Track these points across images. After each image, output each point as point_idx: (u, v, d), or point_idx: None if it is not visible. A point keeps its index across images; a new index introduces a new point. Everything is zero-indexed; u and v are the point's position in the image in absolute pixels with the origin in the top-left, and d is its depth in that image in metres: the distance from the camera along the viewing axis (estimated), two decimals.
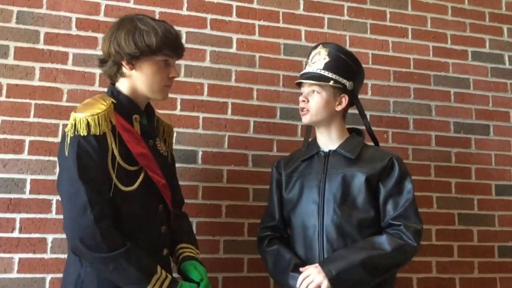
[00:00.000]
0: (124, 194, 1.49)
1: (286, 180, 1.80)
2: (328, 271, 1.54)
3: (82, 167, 1.41)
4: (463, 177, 2.44)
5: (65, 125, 1.96)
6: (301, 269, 1.60)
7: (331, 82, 1.70)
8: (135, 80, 1.57)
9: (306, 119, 1.74)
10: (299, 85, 1.78)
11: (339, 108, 1.75)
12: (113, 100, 1.54)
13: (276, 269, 1.71)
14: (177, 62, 2.08)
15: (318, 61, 1.73)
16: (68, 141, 1.44)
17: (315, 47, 1.78)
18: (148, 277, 1.42)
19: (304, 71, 1.77)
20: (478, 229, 2.40)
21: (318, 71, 1.72)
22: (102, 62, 1.62)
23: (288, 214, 1.77)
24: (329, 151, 1.75)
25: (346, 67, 1.75)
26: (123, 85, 1.59)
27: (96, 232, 1.37)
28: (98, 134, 1.45)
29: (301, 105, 1.73)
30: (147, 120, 1.66)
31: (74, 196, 1.40)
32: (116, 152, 1.48)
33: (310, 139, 1.86)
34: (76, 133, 1.44)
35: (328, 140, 1.76)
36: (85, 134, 1.44)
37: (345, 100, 1.75)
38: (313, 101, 1.71)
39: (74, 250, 1.44)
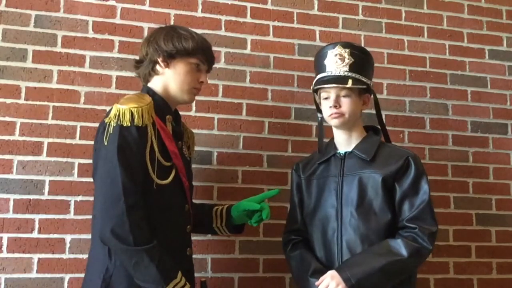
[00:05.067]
0: (158, 187, 1.52)
1: (305, 183, 1.79)
2: (347, 279, 1.52)
3: (121, 157, 1.44)
4: (481, 177, 2.41)
5: (83, 127, 2.03)
6: (316, 283, 1.59)
7: (359, 84, 1.68)
8: (168, 78, 1.64)
9: (338, 122, 1.69)
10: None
11: (364, 108, 1.75)
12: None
13: (298, 274, 1.71)
14: None
15: (342, 62, 1.70)
16: (111, 131, 1.47)
17: (333, 47, 1.73)
18: (166, 280, 1.42)
19: (328, 73, 1.71)
20: (496, 230, 2.37)
21: (347, 74, 1.68)
22: (138, 62, 1.70)
23: (307, 217, 1.76)
24: (346, 152, 1.74)
25: (367, 67, 1.74)
26: (156, 84, 1.66)
27: (126, 222, 1.39)
28: (140, 125, 1.49)
29: (332, 110, 1.68)
30: (176, 123, 1.71)
31: (110, 185, 1.43)
32: (155, 146, 1.53)
33: (326, 140, 1.84)
34: (118, 122, 1.47)
35: (347, 141, 1.74)
36: (128, 124, 1.47)
37: (368, 99, 1.74)
38: (346, 105, 1.67)
39: (102, 238, 1.44)
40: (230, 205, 1.83)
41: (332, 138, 1.80)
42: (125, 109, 1.49)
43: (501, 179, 2.43)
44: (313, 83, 1.76)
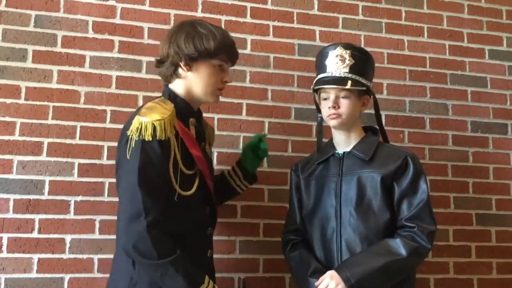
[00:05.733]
0: (182, 198, 1.51)
1: (304, 183, 1.80)
2: (346, 279, 1.53)
3: (142, 172, 1.42)
4: (481, 177, 2.41)
5: (83, 127, 2.03)
6: (316, 283, 1.59)
7: (359, 86, 1.69)
8: (191, 82, 1.61)
9: (336, 123, 1.70)
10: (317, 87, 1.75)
11: (363, 109, 1.76)
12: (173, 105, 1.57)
13: (298, 274, 1.71)
14: None
15: (342, 63, 1.70)
16: (133, 145, 1.45)
17: (334, 48, 1.74)
18: (194, 286, 1.43)
19: (328, 74, 1.71)
20: (496, 229, 2.37)
21: (346, 75, 1.68)
22: (159, 62, 1.65)
23: (307, 217, 1.76)
24: (344, 152, 1.74)
25: (367, 68, 1.75)
26: (178, 87, 1.62)
27: (147, 238, 1.38)
28: (163, 139, 1.46)
29: (331, 111, 1.68)
30: (198, 123, 1.69)
31: (130, 200, 1.42)
32: (178, 157, 1.50)
33: (325, 140, 1.85)
34: (140, 137, 1.44)
35: (346, 142, 1.75)
36: (150, 139, 1.44)
37: (367, 101, 1.75)
38: (345, 106, 1.68)
39: (125, 251, 1.45)
40: (237, 161, 1.90)
41: (331, 138, 1.81)
42: (147, 123, 1.45)
43: (501, 179, 2.43)
44: (313, 83, 1.76)
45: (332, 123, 1.72)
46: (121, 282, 1.49)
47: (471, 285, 2.29)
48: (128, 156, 1.45)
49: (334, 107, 1.68)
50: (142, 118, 1.47)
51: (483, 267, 2.32)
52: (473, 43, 2.54)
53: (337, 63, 1.71)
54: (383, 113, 2.33)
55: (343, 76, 1.69)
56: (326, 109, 1.71)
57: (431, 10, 2.53)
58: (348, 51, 1.71)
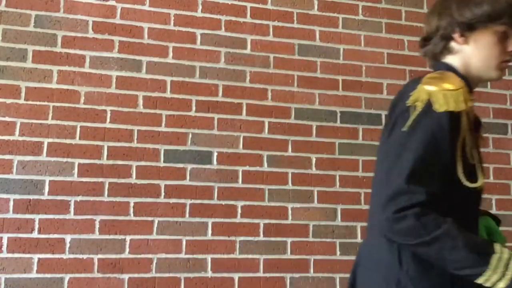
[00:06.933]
0: (463, 190, 1.22)
1: None
2: None
3: (422, 147, 1.17)
4: None
5: (83, 127, 2.03)
6: None
7: None
8: (467, 56, 1.34)
9: None
10: None
11: None
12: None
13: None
14: (191, 63, 2.10)
15: None
16: (414, 116, 1.20)
17: None
18: (486, 256, 1.11)
19: None
20: None
21: None
22: (425, 40, 1.43)
23: None
24: None
25: None
26: (452, 63, 1.36)
27: (411, 215, 1.11)
28: (455, 111, 1.20)
29: None
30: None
31: (399, 174, 1.15)
32: (467, 139, 1.23)
33: None
34: (426, 108, 1.19)
35: None
36: (440, 110, 1.19)
37: None
38: None
39: (386, 234, 1.18)
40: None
41: None
42: (436, 92, 1.21)
43: (501, 179, 2.43)
44: None
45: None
46: (384, 283, 1.20)
47: None
48: (405, 128, 1.20)
49: None
50: (428, 87, 1.23)
51: None
52: None
53: None
54: (383, 113, 2.35)
55: None
56: None
57: None
58: None
